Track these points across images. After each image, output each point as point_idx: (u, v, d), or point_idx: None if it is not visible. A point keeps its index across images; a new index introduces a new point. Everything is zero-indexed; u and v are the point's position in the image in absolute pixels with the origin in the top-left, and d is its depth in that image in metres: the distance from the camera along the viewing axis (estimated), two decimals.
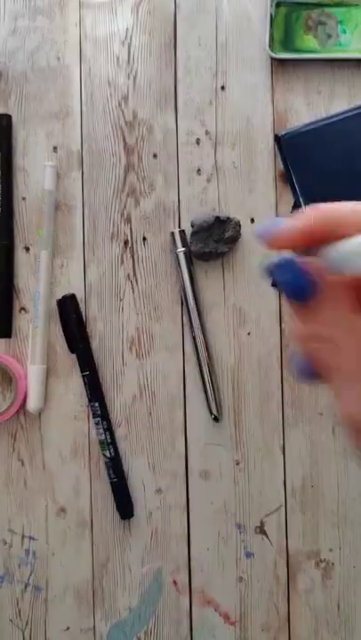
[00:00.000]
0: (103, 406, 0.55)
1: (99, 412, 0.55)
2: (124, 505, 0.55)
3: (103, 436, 0.55)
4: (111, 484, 0.55)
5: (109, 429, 0.55)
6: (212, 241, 0.55)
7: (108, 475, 0.55)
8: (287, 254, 0.20)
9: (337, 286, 0.20)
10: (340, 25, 0.56)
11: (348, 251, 0.19)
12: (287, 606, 0.56)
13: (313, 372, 0.22)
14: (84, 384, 0.55)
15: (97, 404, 0.55)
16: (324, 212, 0.21)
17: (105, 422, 0.55)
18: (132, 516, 0.55)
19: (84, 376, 0.55)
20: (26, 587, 0.56)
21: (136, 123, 0.57)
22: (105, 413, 0.55)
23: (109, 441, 0.55)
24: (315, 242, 0.21)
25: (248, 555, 0.56)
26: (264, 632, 0.56)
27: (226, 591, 0.56)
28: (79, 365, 0.55)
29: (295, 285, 0.20)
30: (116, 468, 0.55)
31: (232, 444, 0.56)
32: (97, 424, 0.55)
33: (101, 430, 0.55)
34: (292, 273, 0.20)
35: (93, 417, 0.55)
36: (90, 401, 0.55)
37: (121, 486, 0.55)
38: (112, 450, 0.55)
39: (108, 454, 0.55)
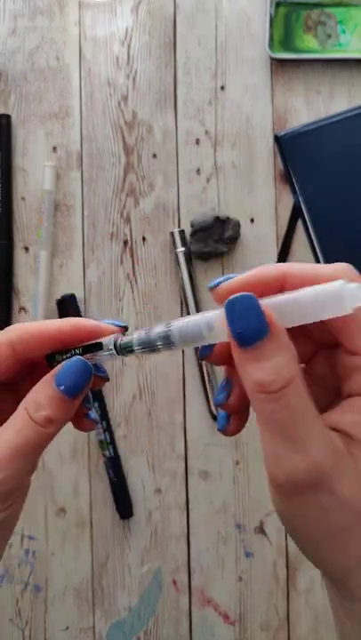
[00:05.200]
0: (103, 406, 0.55)
1: (98, 412, 0.55)
2: (124, 505, 0.55)
3: (103, 436, 0.55)
4: (111, 483, 0.55)
5: (109, 429, 0.55)
6: (212, 241, 0.55)
7: (108, 474, 0.55)
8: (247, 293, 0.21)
9: (282, 331, 0.21)
10: (340, 25, 0.56)
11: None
12: (287, 606, 0.56)
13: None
14: None
15: (96, 405, 0.55)
16: (274, 268, 0.23)
17: (104, 422, 0.55)
18: (131, 515, 0.55)
19: None
20: (26, 586, 0.56)
21: (136, 123, 0.57)
22: (104, 413, 0.55)
23: (109, 441, 0.55)
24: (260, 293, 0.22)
25: (248, 554, 0.56)
26: (263, 631, 0.56)
27: (225, 591, 0.56)
28: None
29: (252, 324, 0.20)
30: (115, 467, 0.55)
31: (232, 444, 0.56)
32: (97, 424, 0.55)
33: (101, 430, 0.55)
34: (253, 310, 0.20)
35: None
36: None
37: (120, 486, 0.55)
38: (111, 450, 0.55)
39: (107, 454, 0.55)
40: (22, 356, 0.25)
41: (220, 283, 0.23)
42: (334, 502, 0.20)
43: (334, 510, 0.20)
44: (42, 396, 0.24)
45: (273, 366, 0.20)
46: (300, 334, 0.23)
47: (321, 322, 0.21)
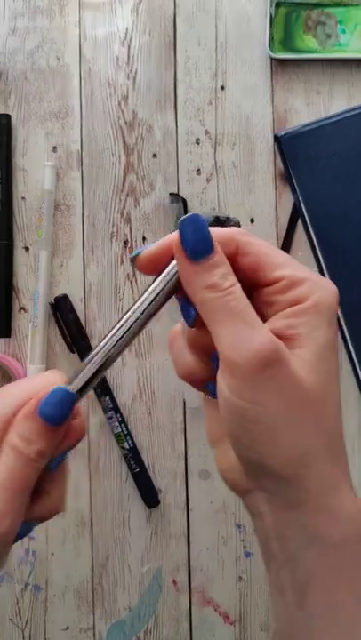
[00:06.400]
0: (113, 400, 0.55)
1: (111, 406, 0.55)
2: (150, 494, 0.55)
3: (119, 429, 0.55)
4: (133, 475, 0.55)
5: (123, 421, 0.55)
6: None
7: (130, 466, 0.55)
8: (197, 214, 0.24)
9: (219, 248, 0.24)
10: (340, 25, 0.56)
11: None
12: None
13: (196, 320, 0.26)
14: None
15: (108, 399, 0.55)
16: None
17: (119, 415, 0.55)
18: (158, 503, 0.55)
19: None
20: (26, 586, 0.56)
21: (136, 123, 0.57)
22: (117, 406, 0.55)
23: (126, 432, 0.55)
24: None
25: (248, 554, 0.56)
26: (263, 631, 0.56)
27: (225, 591, 0.56)
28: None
29: (203, 240, 0.24)
30: (136, 458, 0.55)
31: None
32: (110, 418, 0.55)
33: (116, 423, 0.55)
34: (204, 228, 0.24)
35: (106, 412, 0.55)
36: (100, 396, 0.55)
37: (144, 475, 0.55)
38: (130, 441, 0.55)
39: (127, 446, 0.55)
40: None
41: (139, 252, 0.26)
42: (289, 379, 0.22)
43: (289, 389, 0.22)
44: (28, 430, 0.24)
45: (221, 272, 0.24)
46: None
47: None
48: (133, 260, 0.26)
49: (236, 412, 0.23)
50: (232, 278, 0.24)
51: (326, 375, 0.23)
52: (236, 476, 0.25)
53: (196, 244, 0.24)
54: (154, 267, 0.26)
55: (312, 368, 0.23)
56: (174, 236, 0.25)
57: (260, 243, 0.25)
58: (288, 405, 0.23)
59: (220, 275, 0.24)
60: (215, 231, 0.25)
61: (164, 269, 0.25)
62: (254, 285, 0.25)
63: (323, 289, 0.24)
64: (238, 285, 0.24)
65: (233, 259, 0.25)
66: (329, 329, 0.24)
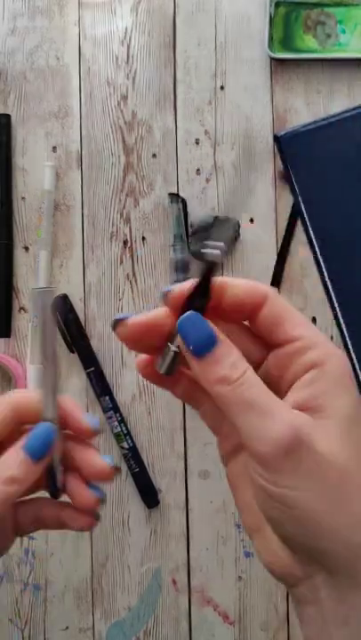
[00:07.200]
0: (113, 399, 0.55)
1: (110, 406, 0.55)
2: (149, 494, 0.55)
3: (119, 428, 0.55)
4: (133, 474, 0.55)
5: (123, 421, 0.55)
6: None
7: (129, 466, 0.55)
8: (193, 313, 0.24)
9: (225, 337, 0.24)
10: (340, 25, 0.56)
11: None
12: (286, 606, 0.56)
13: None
14: (90, 380, 0.55)
15: (107, 398, 0.55)
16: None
17: (118, 414, 0.55)
18: (157, 503, 0.55)
19: (88, 373, 0.55)
20: (25, 586, 0.56)
21: (135, 122, 0.57)
22: (117, 406, 0.55)
23: (125, 432, 0.55)
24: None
25: (247, 554, 0.56)
26: (263, 631, 0.56)
27: (225, 591, 0.56)
28: (82, 363, 0.55)
29: (204, 337, 0.24)
30: (135, 458, 0.55)
31: None
32: (110, 418, 0.55)
33: (116, 423, 0.55)
34: (202, 324, 0.24)
35: (106, 411, 0.55)
36: (99, 396, 0.55)
37: (143, 475, 0.55)
38: (130, 440, 0.55)
39: (126, 445, 0.55)
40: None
41: (125, 318, 0.27)
42: (317, 460, 0.22)
43: (319, 469, 0.22)
44: (10, 458, 0.27)
45: (230, 362, 0.23)
46: (249, 337, 0.26)
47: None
48: (115, 326, 0.27)
49: (274, 499, 0.23)
50: (242, 365, 0.23)
51: (357, 446, 0.23)
52: (286, 564, 0.24)
53: (199, 340, 0.24)
54: (141, 342, 0.26)
55: (341, 442, 0.22)
56: (161, 312, 0.25)
57: (285, 302, 0.25)
58: (323, 485, 0.22)
59: (229, 365, 0.23)
60: (248, 284, 0.25)
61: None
62: (270, 345, 0.25)
63: (338, 357, 0.24)
64: (250, 371, 0.23)
65: (256, 311, 0.25)
66: (351, 397, 0.23)
